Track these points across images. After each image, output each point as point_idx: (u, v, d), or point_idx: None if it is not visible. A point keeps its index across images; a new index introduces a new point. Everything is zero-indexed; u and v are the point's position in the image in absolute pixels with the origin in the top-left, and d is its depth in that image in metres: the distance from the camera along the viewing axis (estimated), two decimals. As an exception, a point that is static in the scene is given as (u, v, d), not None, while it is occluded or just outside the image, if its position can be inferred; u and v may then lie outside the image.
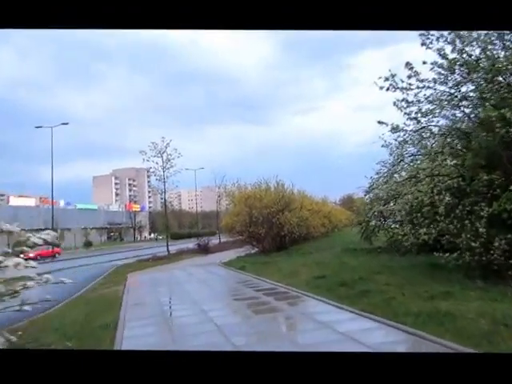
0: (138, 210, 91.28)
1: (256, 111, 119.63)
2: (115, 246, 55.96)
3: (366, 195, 20.21)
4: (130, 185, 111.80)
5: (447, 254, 9.57)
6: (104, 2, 1.17)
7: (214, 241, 33.73)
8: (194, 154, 72.56)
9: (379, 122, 11.13)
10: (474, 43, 9.93)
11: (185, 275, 17.18)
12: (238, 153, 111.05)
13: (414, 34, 10.01)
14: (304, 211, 23.98)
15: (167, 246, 29.36)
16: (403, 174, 13.87)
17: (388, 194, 14.34)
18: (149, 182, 42.97)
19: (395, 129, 10.91)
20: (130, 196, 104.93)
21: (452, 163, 9.89)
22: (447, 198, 9.61)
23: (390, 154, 15.18)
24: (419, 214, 10.89)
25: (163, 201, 33.21)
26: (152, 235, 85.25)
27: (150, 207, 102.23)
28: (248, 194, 22.87)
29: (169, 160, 28.95)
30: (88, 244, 56.09)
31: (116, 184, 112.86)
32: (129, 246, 56.82)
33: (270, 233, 21.34)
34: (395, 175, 14.69)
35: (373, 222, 18.88)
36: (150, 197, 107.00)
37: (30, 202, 65.35)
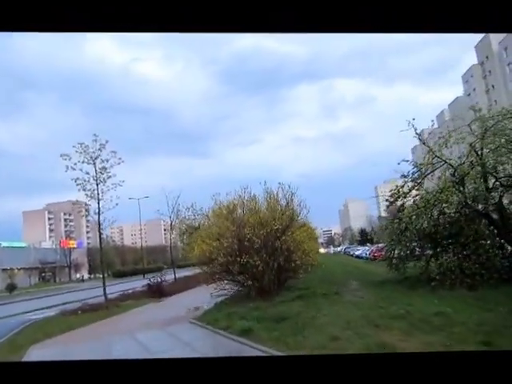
0: (74, 246, 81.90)
1: (194, 144, 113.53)
2: (45, 289, 48.22)
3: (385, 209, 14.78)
4: (65, 220, 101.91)
5: None
6: (104, 3, 1.11)
7: (168, 277, 26.29)
8: (134, 185, 62.72)
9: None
10: None
11: (134, 353, 9.12)
12: (177, 185, 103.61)
13: (346, 69, 5.20)
14: (300, 233, 16.77)
15: (104, 289, 20.44)
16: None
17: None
18: (87, 215, 34.62)
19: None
20: (65, 232, 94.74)
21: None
22: None
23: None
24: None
25: (100, 229, 23.81)
26: (85, 275, 76.12)
27: (88, 243, 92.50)
28: (234, 204, 15.12)
29: (105, 168, 20.76)
30: (11, 287, 47.45)
31: (50, 219, 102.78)
32: (62, 287, 49.57)
33: (270, 264, 13.66)
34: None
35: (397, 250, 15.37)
36: (88, 232, 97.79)
37: None
